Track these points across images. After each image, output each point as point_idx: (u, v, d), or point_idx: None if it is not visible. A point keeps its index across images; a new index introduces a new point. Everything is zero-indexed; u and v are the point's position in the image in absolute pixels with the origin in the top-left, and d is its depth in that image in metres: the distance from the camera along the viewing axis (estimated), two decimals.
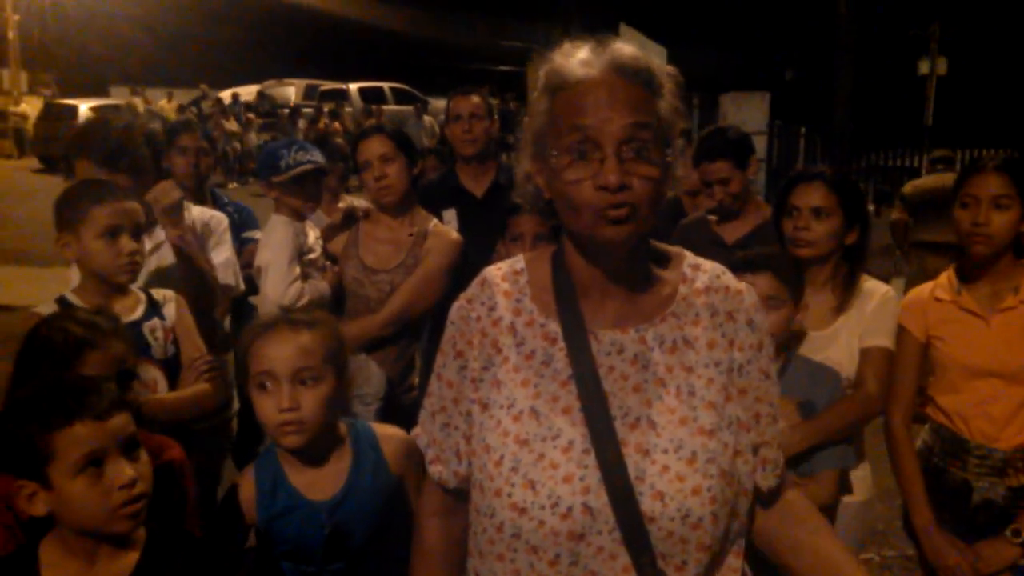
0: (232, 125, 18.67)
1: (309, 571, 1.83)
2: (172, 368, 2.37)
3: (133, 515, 1.47)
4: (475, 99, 3.55)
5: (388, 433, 1.94)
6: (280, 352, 1.74)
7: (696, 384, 1.29)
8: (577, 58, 1.27)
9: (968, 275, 2.39)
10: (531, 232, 2.66)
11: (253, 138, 18.01)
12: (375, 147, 2.96)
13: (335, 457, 1.84)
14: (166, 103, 21.02)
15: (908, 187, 6.40)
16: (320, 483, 1.82)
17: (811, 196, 2.38)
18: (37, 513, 1.46)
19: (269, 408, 1.74)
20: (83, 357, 1.84)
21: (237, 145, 18.01)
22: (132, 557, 1.52)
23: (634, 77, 1.25)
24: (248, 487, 1.84)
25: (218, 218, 3.21)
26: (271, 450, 1.87)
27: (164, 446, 1.93)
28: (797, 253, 2.39)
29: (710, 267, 1.39)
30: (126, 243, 2.27)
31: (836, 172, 2.47)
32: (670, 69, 1.32)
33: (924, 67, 21.41)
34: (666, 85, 1.29)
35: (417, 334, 3.09)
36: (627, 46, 1.28)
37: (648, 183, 1.23)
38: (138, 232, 2.33)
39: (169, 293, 2.50)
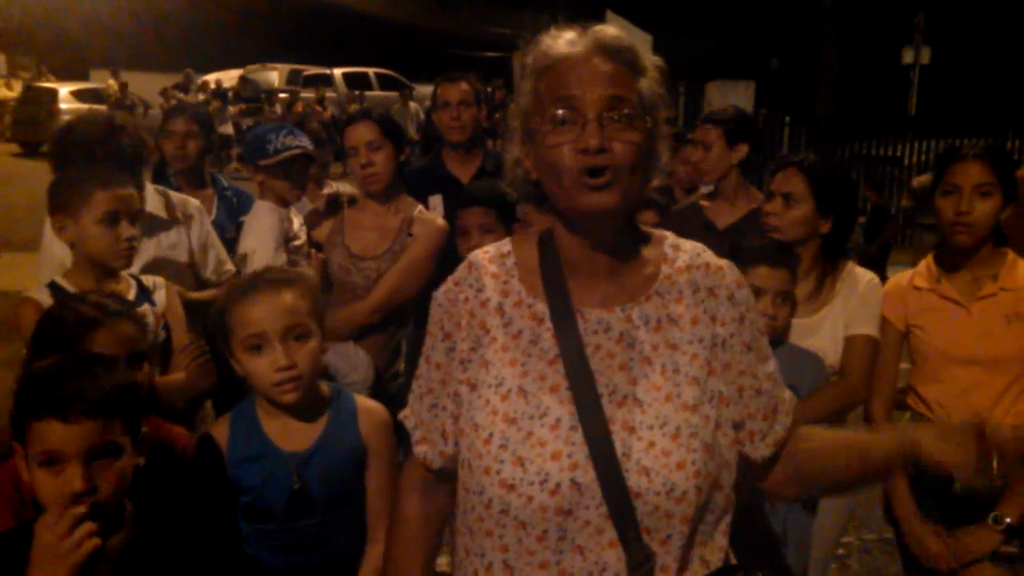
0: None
1: (267, 529, 1.83)
2: (162, 353, 2.38)
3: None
4: (464, 86, 3.53)
5: (368, 406, 1.98)
6: (268, 312, 1.79)
7: (680, 361, 1.32)
8: (563, 39, 1.31)
9: (948, 263, 2.41)
10: (476, 223, 2.66)
11: (229, 127, 17.78)
12: (362, 133, 2.92)
13: (312, 414, 1.88)
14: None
15: (915, 180, 8.69)
16: (293, 436, 1.85)
17: (782, 182, 2.43)
18: (25, 478, 1.50)
19: (264, 368, 1.78)
20: (92, 335, 1.86)
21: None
22: (122, 537, 1.53)
23: (616, 55, 1.29)
24: (222, 430, 1.88)
25: None
26: (250, 399, 1.90)
27: (167, 430, 1.96)
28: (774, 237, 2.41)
29: (690, 246, 1.42)
30: (125, 229, 2.29)
31: (816, 160, 2.49)
32: (655, 58, 1.34)
33: (908, 56, 21.45)
34: (649, 69, 1.32)
35: (403, 321, 3.08)
36: (610, 27, 1.32)
37: (630, 148, 1.26)
38: (135, 218, 2.34)
39: (159, 280, 2.51)
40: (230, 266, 3.11)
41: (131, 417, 1.53)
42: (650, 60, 1.33)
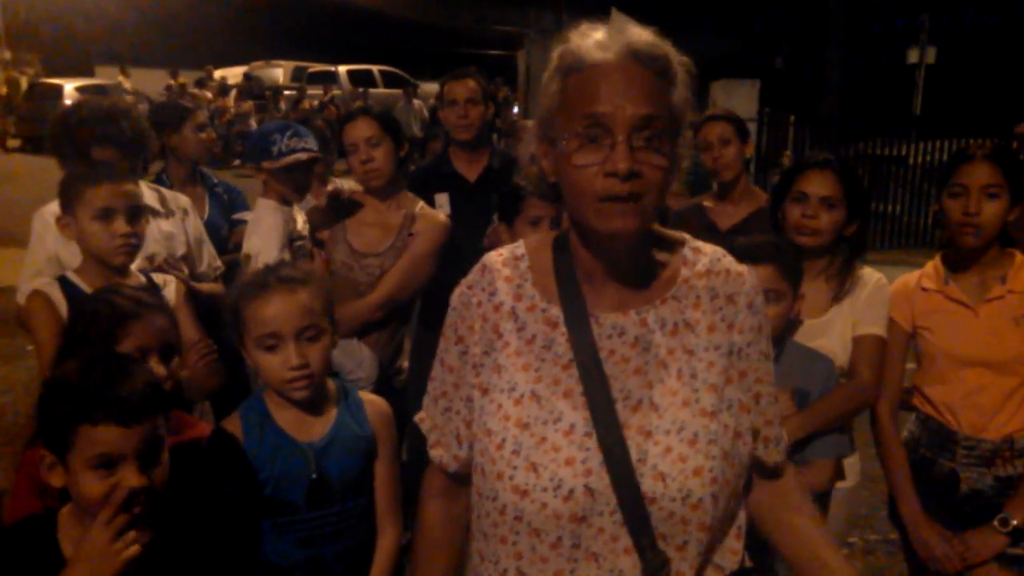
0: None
1: (290, 522, 1.84)
2: None
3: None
4: (471, 83, 3.53)
5: (371, 398, 2.02)
6: (282, 312, 1.81)
7: (697, 367, 1.30)
8: (593, 39, 1.25)
9: (955, 265, 2.40)
10: (549, 215, 2.65)
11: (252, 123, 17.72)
12: (361, 130, 2.93)
13: (322, 405, 1.91)
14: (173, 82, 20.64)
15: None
16: (307, 427, 1.88)
17: (821, 185, 2.36)
18: (55, 484, 1.51)
19: (277, 366, 1.81)
20: (127, 328, 1.87)
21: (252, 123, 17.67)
22: (145, 533, 1.53)
23: (650, 64, 1.23)
24: (234, 427, 1.88)
25: None
26: (257, 394, 1.92)
27: (192, 425, 1.98)
28: (800, 241, 2.37)
29: (711, 250, 1.39)
30: (120, 226, 2.29)
31: (843, 161, 2.47)
32: (684, 59, 1.29)
33: (913, 56, 21.42)
34: (680, 74, 1.27)
35: (406, 317, 3.08)
36: (645, 31, 1.26)
37: (657, 172, 1.22)
38: (135, 214, 2.34)
39: (169, 277, 2.52)
40: (219, 262, 3.12)
41: (166, 411, 1.57)
42: (680, 64, 1.28)
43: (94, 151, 2.68)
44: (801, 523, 1.43)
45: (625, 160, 1.19)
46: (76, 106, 2.83)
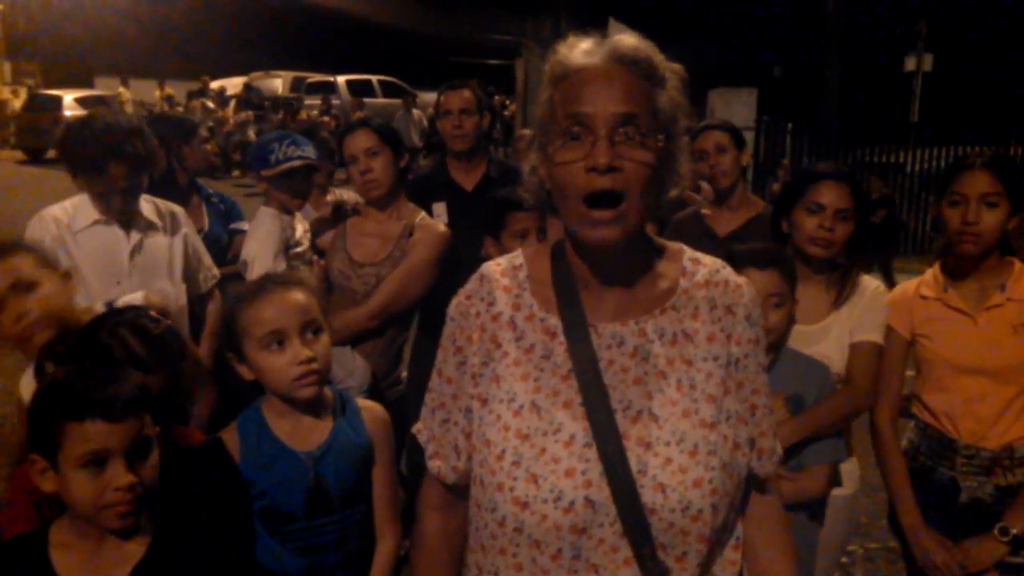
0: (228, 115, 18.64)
1: (290, 531, 1.84)
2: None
3: (123, 515, 1.48)
4: (466, 94, 3.55)
5: (368, 405, 2.02)
6: (283, 310, 1.82)
7: (696, 377, 1.30)
8: (580, 48, 1.28)
9: (954, 273, 2.39)
10: (535, 227, 2.66)
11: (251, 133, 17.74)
12: (361, 141, 2.95)
13: (320, 413, 1.90)
14: (158, 93, 20.75)
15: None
16: (304, 435, 1.87)
17: (839, 197, 2.35)
18: (47, 489, 1.51)
19: (284, 364, 1.80)
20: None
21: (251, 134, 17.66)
22: (142, 541, 1.54)
23: (633, 66, 1.25)
24: (231, 437, 1.87)
25: None
26: (254, 404, 1.92)
27: (185, 433, 1.96)
28: (813, 252, 2.37)
29: (710, 261, 1.39)
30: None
31: (850, 171, 2.48)
32: (675, 65, 1.31)
33: (910, 64, 21.50)
34: (669, 79, 1.29)
35: (405, 326, 3.08)
36: (630, 38, 1.29)
37: (641, 167, 1.22)
38: (24, 287, 2.10)
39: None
40: (216, 271, 3.11)
41: (155, 412, 1.57)
42: (669, 68, 1.30)
43: (110, 167, 2.67)
44: (772, 559, 1.41)
45: (605, 154, 1.20)
46: (90, 119, 2.79)
